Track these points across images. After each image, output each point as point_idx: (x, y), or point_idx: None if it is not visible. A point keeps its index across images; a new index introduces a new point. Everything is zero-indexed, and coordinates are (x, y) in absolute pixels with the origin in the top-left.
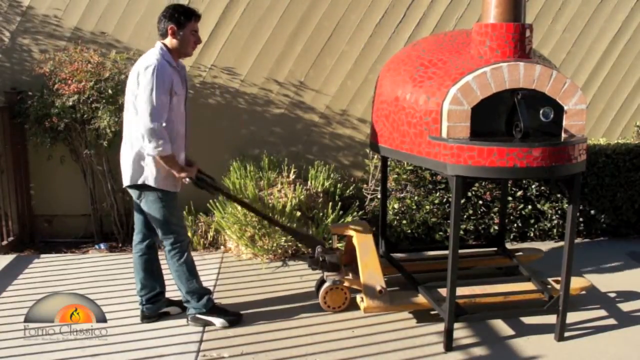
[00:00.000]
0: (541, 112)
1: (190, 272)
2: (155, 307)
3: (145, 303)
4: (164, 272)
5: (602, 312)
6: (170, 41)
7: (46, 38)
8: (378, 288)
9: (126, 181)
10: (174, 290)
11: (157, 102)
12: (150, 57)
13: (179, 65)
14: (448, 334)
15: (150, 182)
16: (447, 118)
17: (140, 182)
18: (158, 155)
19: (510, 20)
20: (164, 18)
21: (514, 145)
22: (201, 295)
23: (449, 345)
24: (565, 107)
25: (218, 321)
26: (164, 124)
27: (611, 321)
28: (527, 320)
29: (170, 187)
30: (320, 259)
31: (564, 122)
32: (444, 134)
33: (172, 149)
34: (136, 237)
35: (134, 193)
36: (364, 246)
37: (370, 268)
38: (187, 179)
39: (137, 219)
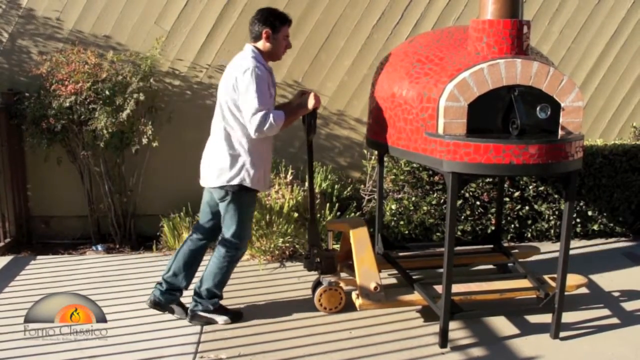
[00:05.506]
0: (538, 109)
1: (223, 278)
2: (171, 298)
3: (165, 291)
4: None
5: (600, 313)
6: (263, 44)
7: (45, 39)
8: (374, 285)
9: (215, 181)
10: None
11: (260, 94)
12: (247, 61)
13: (268, 68)
14: (443, 331)
15: (247, 183)
16: (444, 114)
17: (236, 182)
18: (278, 128)
19: (508, 16)
20: (258, 22)
21: (510, 142)
22: (214, 296)
23: (444, 342)
24: (562, 104)
25: (221, 318)
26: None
27: (609, 321)
28: (525, 319)
29: (262, 187)
30: (316, 260)
31: (561, 120)
32: (441, 131)
33: (263, 148)
34: (197, 232)
35: (217, 193)
36: (360, 243)
37: (366, 264)
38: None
39: (206, 219)
